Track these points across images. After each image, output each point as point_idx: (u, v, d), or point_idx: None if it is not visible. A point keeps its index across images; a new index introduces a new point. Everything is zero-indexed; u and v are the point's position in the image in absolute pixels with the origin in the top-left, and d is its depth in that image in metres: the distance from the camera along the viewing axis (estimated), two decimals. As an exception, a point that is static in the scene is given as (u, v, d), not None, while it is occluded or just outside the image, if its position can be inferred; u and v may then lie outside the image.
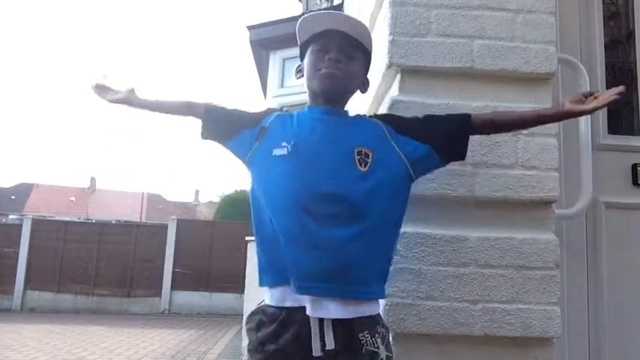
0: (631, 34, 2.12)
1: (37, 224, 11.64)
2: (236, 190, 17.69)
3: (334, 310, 1.17)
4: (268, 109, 1.48)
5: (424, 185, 1.53)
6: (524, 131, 1.59)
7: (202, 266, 10.87)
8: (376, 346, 1.21)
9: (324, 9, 5.30)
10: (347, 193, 1.20)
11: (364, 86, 1.43)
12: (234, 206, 15.36)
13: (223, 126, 1.42)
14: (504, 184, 1.56)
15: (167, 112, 1.49)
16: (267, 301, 1.25)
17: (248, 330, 1.28)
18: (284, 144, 1.26)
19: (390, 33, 1.60)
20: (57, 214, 24.72)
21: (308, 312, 1.16)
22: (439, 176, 1.54)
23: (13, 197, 30.02)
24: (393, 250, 1.31)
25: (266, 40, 5.17)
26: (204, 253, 10.94)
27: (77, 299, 11.04)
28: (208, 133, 1.44)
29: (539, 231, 1.57)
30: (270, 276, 1.24)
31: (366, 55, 1.37)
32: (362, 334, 1.19)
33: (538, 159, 1.58)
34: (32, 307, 10.87)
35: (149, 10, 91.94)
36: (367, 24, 2.07)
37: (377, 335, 1.22)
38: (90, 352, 6.04)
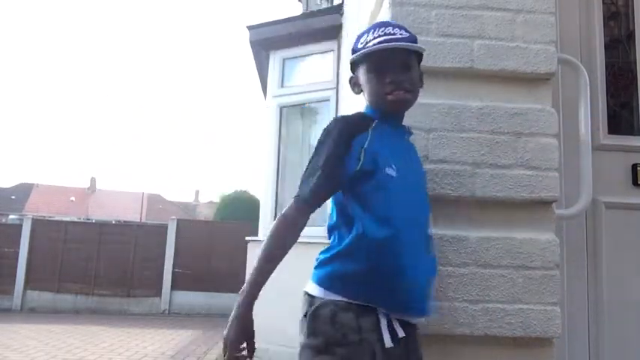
0: (631, 34, 2.12)
1: (37, 224, 11.63)
2: (236, 190, 17.68)
3: None
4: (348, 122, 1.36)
5: (424, 185, 1.53)
6: (525, 131, 1.59)
7: (202, 266, 10.86)
8: (420, 350, 1.33)
9: (324, 9, 5.30)
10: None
11: (421, 82, 1.43)
12: (234, 206, 15.35)
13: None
14: (504, 184, 1.56)
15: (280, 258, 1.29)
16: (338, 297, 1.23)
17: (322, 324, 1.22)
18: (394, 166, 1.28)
19: (390, 33, 1.59)
20: (57, 214, 24.73)
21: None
22: (439, 176, 1.54)
23: (13, 197, 30.03)
24: None
25: (266, 40, 5.17)
26: (204, 253, 10.92)
27: (77, 299, 11.03)
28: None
29: (539, 231, 1.57)
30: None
31: (417, 53, 1.39)
32: (416, 336, 1.32)
33: (538, 159, 1.58)
34: (32, 307, 10.86)
35: (149, 10, 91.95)
36: (367, 24, 2.07)
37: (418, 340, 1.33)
38: (90, 352, 6.04)
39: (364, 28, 2.18)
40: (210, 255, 10.94)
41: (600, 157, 1.94)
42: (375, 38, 1.33)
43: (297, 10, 8.60)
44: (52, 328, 8.11)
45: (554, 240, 1.56)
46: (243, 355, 1.19)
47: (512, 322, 1.50)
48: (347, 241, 1.24)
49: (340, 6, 4.60)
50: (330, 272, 1.26)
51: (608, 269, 1.90)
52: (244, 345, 1.20)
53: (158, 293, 11.04)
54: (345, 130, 1.29)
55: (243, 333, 1.20)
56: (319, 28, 4.82)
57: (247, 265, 5.13)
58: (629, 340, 1.89)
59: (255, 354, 1.23)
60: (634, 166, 1.96)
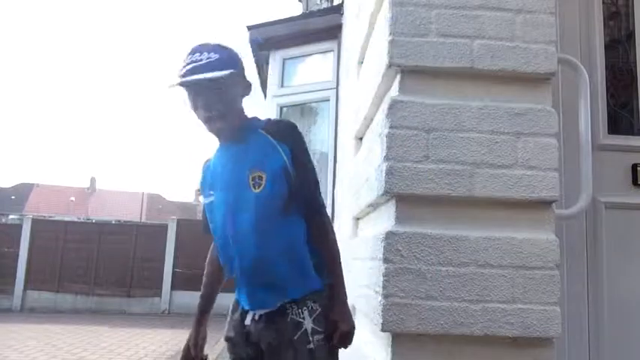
0: (631, 34, 2.12)
1: (37, 224, 11.64)
2: (236, 190, 17.66)
3: None
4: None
5: (424, 185, 1.53)
6: (525, 131, 1.59)
7: (202, 266, 10.83)
8: (301, 317, 1.40)
9: (324, 9, 5.30)
10: None
11: (246, 91, 1.52)
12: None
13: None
14: (504, 184, 1.56)
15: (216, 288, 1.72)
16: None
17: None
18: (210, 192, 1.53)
19: (390, 33, 1.60)
20: (57, 214, 24.73)
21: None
22: (439, 176, 1.54)
23: (13, 197, 30.03)
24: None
25: (266, 40, 5.17)
26: (204, 253, 10.90)
27: (77, 299, 11.04)
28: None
29: (539, 231, 1.57)
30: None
31: (228, 68, 1.41)
32: (288, 305, 1.41)
33: (538, 159, 1.58)
34: (32, 307, 10.87)
35: (149, 10, 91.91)
36: (367, 24, 2.07)
37: (305, 308, 1.41)
38: (90, 352, 6.04)
39: (364, 28, 2.18)
40: (210, 255, 10.93)
41: (600, 157, 1.94)
42: (183, 67, 1.40)
43: (297, 10, 8.60)
44: (52, 328, 8.11)
45: (554, 240, 1.56)
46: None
47: (512, 322, 1.50)
48: None
49: (340, 6, 4.60)
50: None
51: (608, 269, 1.90)
52: None
53: (158, 293, 11.05)
54: (202, 170, 1.59)
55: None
56: (319, 28, 4.82)
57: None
58: (629, 340, 1.90)
59: None
60: (634, 166, 1.96)
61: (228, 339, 1.55)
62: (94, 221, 18.39)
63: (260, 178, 1.42)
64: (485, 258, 1.53)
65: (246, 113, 1.55)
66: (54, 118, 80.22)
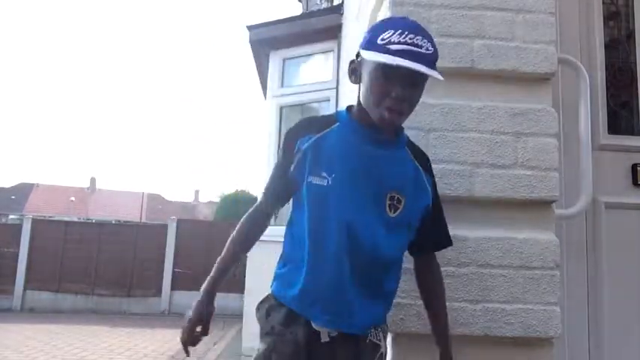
0: (631, 34, 2.12)
1: (37, 224, 11.63)
2: (236, 190, 17.69)
3: None
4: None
5: (424, 185, 1.53)
6: (525, 131, 1.59)
7: (202, 266, 10.83)
8: (379, 338, 1.29)
9: (324, 9, 5.30)
10: None
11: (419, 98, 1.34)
12: (234, 206, 15.37)
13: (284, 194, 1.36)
14: (504, 184, 1.56)
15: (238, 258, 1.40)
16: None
17: (259, 317, 1.36)
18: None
19: (390, 33, 1.59)
20: (57, 214, 24.73)
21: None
22: (439, 176, 1.54)
23: (13, 197, 30.03)
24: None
25: (266, 40, 5.17)
26: (204, 253, 10.91)
27: (77, 299, 11.03)
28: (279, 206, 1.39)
29: (539, 231, 1.57)
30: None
31: (435, 66, 1.24)
32: (372, 330, 1.28)
33: (538, 159, 1.58)
34: (32, 307, 10.86)
35: (149, 10, 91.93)
36: (367, 24, 2.07)
37: (380, 330, 1.30)
38: (90, 352, 6.04)
39: (364, 28, 2.18)
40: (210, 255, 10.86)
41: (600, 157, 1.94)
42: (399, 43, 1.17)
43: (297, 10, 8.61)
44: (52, 328, 8.11)
45: (554, 240, 1.56)
46: (198, 334, 1.32)
47: (512, 322, 1.50)
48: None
49: (340, 6, 4.60)
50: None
51: (608, 269, 1.90)
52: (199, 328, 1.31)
53: (158, 293, 11.05)
54: (290, 134, 1.32)
55: (201, 316, 1.32)
56: (319, 28, 4.82)
57: (247, 265, 5.13)
58: (629, 339, 1.89)
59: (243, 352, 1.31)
60: (634, 166, 1.96)
61: (281, 353, 1.26)
62: (94, 221, 18.39)
63: (399, 202, 1.26)
64: (485, 258, 1.53)
65: None
66: (54, 118, 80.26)
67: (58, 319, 9.38)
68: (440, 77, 1.19)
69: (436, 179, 1.51)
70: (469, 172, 1.56)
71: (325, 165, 1.24)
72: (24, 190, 31.54)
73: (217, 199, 20.55)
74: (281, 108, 5.21)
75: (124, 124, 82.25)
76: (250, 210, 1.39)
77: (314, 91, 5.00)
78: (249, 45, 5.32)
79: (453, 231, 1.53)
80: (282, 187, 1.33)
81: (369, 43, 1.21)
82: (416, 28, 1.20)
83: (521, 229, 1.56)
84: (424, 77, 1.21)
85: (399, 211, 1.25)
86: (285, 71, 5.26)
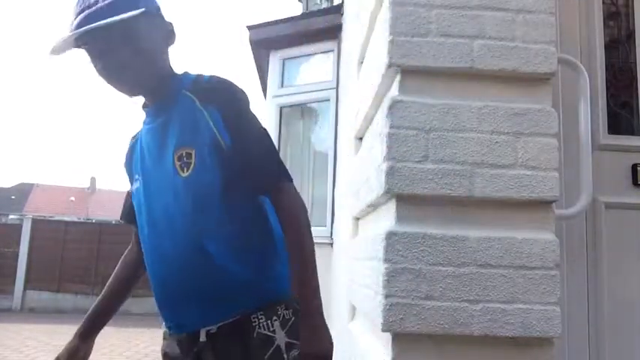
0: (631, 34, 2.12)
1: (37, 224, 11.65)
2: (236, 190, 17.65)
3: None
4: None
5: (424, 185, 1.53)
6: (525, 131, 1.59)
7: (202, 266, 10.86)
8: (272, 329, 1.11)
9: (324, 9, 5.30)
10: None
11: (169, 38, 1.19)
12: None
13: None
14: (504, 184, 1.56)
15: (125, 290, 1.43)
16: None
17: None
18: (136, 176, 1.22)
19: (390, 33, 1.60)
20: (57, 214, 24.72)
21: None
22: (439, 176, 1.54)
23: (13, 197, 30.03)
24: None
25: (266, 40, 5.17)
26: (204, 253, 10.93)
27: (77, 299, 11.04)
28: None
29: (539, 231, 1.57)
30: None
31: (135, 7, 1.05)
32: (254, 315, 1.10)
33: (538, 159, 1.58)
34: (32, 307, 10.87)
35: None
36: (367, 24, 2.07)
37: (275, 318, 1.12)
38: (90, 352, 6.04)
39: (364, 28, 2.18)
40: (210, 255, 10.93)
41: (600, 157, 1.94)
42: (77, 14, 1.05)
43: (297, 10, 8.59)
44: (51, 328, 8.11)
45: (554, 240, 1.56)
46: None
47: (512, 322, 1.50)
48: None
49: (340, 6, 4.60)
50: None
51: (608, 269, 1.90)
52: None
53: (158, 293, 11.04)
54: (127, 150, 1.28)
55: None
56: (319, 28, 4.82)
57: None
58: (630, 340, 1.89)
59: None
60: (634, 166, 1.96)
61: (166, 356, 1.19)
62: (94, 221, 18.37)
63: (189, 156, 1.08)
64: (485, 258, 1.53)
65: (174, 72, 1.21)
66: (54, 118, 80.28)
67: (58, 319, 9.38)
68: (130, 15, 1.02)
69: (436, 179, 1.50)
70: (469, 172, 1.56)
71: (135, 169, 1.22)
72: (24, 190, 31.54)
73: (217, 199, 20.49)
74: (281, 108, 5.21)
75: (124, 124, 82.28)
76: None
77: (314, 91, 5.00)
78: (249, 45, 5.32)
79: (453, 231, 1.54)
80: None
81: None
82: (327, 9, 1.12)
83: (521, 229, 1.56)
84: (120, 31, 1.04)
85: (190, 167, 1.09)
86: (285, 71, 5.26)
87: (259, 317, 1.10)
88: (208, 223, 1.08)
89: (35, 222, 11.67)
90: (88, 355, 1.26)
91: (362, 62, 2.37)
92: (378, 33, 1.76)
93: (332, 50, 4.90)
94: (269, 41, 5.15)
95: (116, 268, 1.38)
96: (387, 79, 1.69)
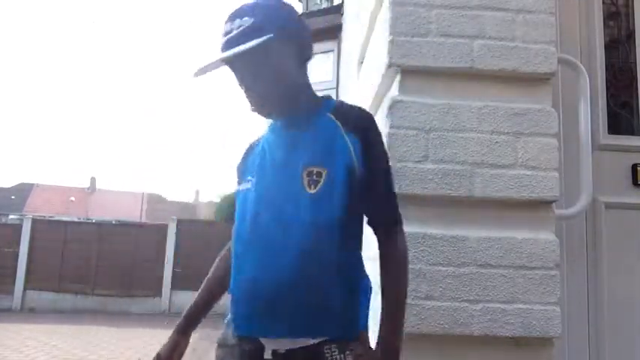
0: (631, 34, 2.12)
1: (37, 224, 11.65)
2: (236, 190, 17.64)
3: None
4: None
5: (424, 185, 1.53)
6: (525, 131, 1.59)
7: (202, 266, 10.78)
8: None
9: (324, 9, 5.29)
10: None
11: (303, 56, 1.21)
12: (234, 206, 15.34)
13: None
14: (504, 184, 1.56)
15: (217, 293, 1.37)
16: None
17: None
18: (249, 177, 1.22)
19: (390, 33, 1.60)
20: (57, 214, 24.71)
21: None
22: (439, 176, 1.54)
23: (13, 197, 30.03)
24: None
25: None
26: (204, 253, 10.92)
27: (77, 299, 11.05)
28: None
29: (539, 231, 1.57)
30: None
31: (277, 35, 1.11)
32: (328, 347, 1.09)
33: (538, 159, 1.58)
34: (32, 307, 10.88)
35: (149, 10, 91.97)
36: (367, 24, 2.07)
37: (348, 353, 1.10)
38: (90, 352, 6.04)
39: (364, 28, 2.18)
40: (210, 255, 10.90)
41: (600, 157, 1.94)
42: (221, 39, 1.15)
43: (297, 10, 8.59)
44: (51, 328, 8.11)
45: (554, 240, 1.56)
46: None
47: (512, 322, 1.50)
48: None
49: (340, 6, 4.61)
50: None
51: (608, 269, 1.90)
52: None
53: (158, 293, 11.06)
54: (245, 151, 1.31)
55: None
56: (319, 28, 4.82)
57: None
58: (630, 340, 1.89)
59: None
60: (634, 166, 1.96)
61: None
62: (94, 221, 18.37)
63: (319, 174, 1.11)
64: (485, 258, 1.53)
65: (312, 90, 1.25)
66: (54, 118, 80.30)
67: (58, 319, 9.38)
68: (251, 45, 1.08)
69: (436, 179, 1.50)
70: (469, 172, 1.56)
71: (250, 170, 1.22)
72: (24, 190, 31.53)
73: (217, 199, 20.52)
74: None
75: (124, 124, 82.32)
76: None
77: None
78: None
79: (453, 231, 1.54)
80: None
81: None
82: (232, 13, 1.15)
83: (521, 229, 1.56)
84: (250, 56, 1.11)
85: (318, 185, 1.11)
86: (285, 71, 5.26)
87: (332, 350, 1.09)
88: (323, 242, 1.09)
89: (35, 222, 11.68)
90: (185, 349, 1.30)
91: (362, 62, 2.37)
92: (378, 33, 1.76)
93: (332, 50, 4.90)
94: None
95: (214, 265, 1.36)
96: (387, 79, 1.69)
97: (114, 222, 17.80)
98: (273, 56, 1.13)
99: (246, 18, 1.11)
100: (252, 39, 1.08)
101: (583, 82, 1.78)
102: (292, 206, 1.11)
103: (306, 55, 1.21)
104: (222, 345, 1.22)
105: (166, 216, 15.07)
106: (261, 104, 1.17)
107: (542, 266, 1.53)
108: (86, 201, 32.36)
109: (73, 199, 31.45)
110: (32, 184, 32.68)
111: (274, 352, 1.09)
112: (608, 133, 2.01)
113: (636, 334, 1.90)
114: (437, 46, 1.60)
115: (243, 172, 1.25)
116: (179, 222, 11.69)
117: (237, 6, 1.16)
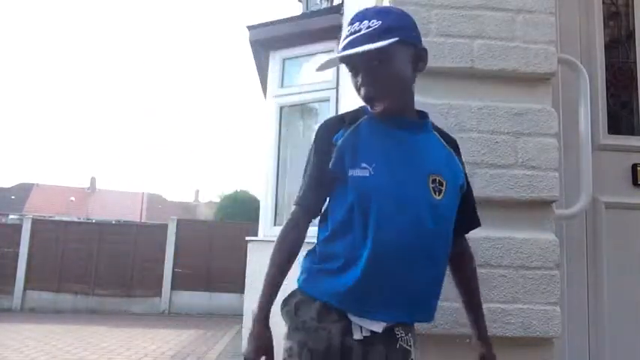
0: (631, 34, 2.12)
1: (37, 224, 11.63)
2: (236, 190, 17.68)
3: None
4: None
5: (424, 185, 1.53)
6: (525, 131, 1.59)
7: (202, 266, 10.86)
8: (409, 344, 1.23)
9: (324, 9, 5.30)
10: None
11: (419, 65, 1.28)
12: (234, 206, 15.37)
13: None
14: (504, 184, 1.56)
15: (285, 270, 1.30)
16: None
17: (287, 312, 1.27)
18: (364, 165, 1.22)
19: (390, 33, 1.59)
20: (57, 214, 24.71)
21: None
22: (439, 176, 1.54)
23: (13, 197, 30.03)
24: None
25: (266, 40, 5.17)
26: (204, 253, 10.93)
27: (77, 299, 11.03)
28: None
29: (539, 231, 1.57)
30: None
31: (390, 36, 1.18)
32: (397, 329, 1.21)
33: (538, 159, 1.58)
34: (32, 307, 10.86)
35: (149, 10, 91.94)
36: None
37: (410, 334, 1.24)
38: (90, 352, 6.04)
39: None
40: (210, 255, 10.94)
41: (600, 157, 1.94)
42: (345, 38, 1.23)
43: (297, 10, 8.60)
44: (52, 328, 8.11)
45: (554, 240, 1.56)
46: None
47: (512, 322, 1.50)
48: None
49: (340, 6, 4.61)
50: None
51: (608, 269, 1.90)
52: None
53: (158, 293, 11.04)
54: (323, 131, 1.29)
55: (260, 349, 1.21)
56: (319, 28, 4.82)
57: (247, 265, 5.13)
58: (629, 340, 1.89)
59: None
60: (634, 166, 1.96)
61: (313, 350, 1.19)
62: (94, 221, 18.35)
63: (441, 184, 1.22)
64: (486, 258, 1.53)
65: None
66: (54, 118, 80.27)
67: (58, 319, 9.38)
68: (378, 45, 1.15)
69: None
70: (469, 172, 1.55)
71: (364, 156, 1.22)
72: (24, 190, 31.53)
73: (217, 199, 20.54)
74: (281, 108, 5.21)
75: (124, 124, 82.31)
76: (286, 223, 1.29)
77: (314, 91, 5.00)
78: (249, 45, 5.32)
79: (453, 231, 1.53)
80: (321, 191, 1.28)
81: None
82: (358, 15, 1.23)
83: (521, 229, 1.56)
84: (375, 55, 1.18)
85: (442, 193, 1.22)
86: (285, 71, 5.26)
87: (400, 331, 1.22)
88: (446, 242, 1.25)
89: (35, 222, 11.65)
90: (270, 337, 1.25)
91: (362, 62, 2.37)
92: (378, 33, 1.76)
93: (332, 50, 4.89)
94: (269, 41, 5.15)
95: (287, 248, 1.28)
96: (387, 79, 1.69)
97: (114, 222, 17.80)
98: (396, 58, 1.22)
99: (374, 20, 1.20)
100: (379, 40, 1.16)
101: (583, 82, 1.78)
102: (427, 209, 1.20)
103: (419, 67, 1.28)
104: (301, 329, 1.23)
105: (166, 216, 15.08)
106: (382, 104, 1.22)
107: (542, 266, 1.53)
108: (86, 201, 32.36)
109: (73, 199, 31.44)
110: (32, 184, 32.69)
111: (363, 335, 1.19)
112: (608, 133, 2.01)
113: (636, 334, 1.90)
114: (437, 46, 1.60)
115: (351, 153, 1.23)
116: (179, 222, 11.67)
117: (364, 9, 1.25)
